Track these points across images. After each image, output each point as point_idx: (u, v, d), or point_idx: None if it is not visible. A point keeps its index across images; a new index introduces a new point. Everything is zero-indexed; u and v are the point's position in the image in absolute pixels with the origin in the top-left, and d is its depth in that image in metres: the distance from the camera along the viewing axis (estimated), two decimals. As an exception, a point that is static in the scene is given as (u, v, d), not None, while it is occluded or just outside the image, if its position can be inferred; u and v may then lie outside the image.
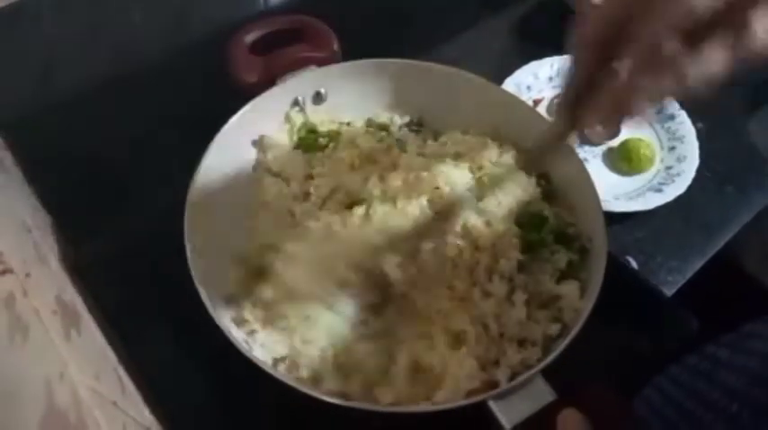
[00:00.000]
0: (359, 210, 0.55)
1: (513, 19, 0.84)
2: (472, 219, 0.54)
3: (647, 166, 0.68)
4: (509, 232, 0.53)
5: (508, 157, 0.58)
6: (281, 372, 0.48)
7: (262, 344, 0.49)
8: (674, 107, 0.72)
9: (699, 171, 0.66)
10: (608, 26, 0.32)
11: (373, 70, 0.61)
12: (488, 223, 0.54)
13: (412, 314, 0.52)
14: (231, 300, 0.52)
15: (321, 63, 0.61)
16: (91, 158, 0.66)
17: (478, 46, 0.80)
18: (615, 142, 0.71)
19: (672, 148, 0.70)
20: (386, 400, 0.47)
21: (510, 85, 0.71)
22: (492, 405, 0.42)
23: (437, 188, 0.56)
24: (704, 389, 0.42)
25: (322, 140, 0.60)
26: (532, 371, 0.43)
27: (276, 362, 0.49)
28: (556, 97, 0.74)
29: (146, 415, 0.50)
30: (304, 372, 0.49)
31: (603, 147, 0.71)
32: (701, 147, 0.68)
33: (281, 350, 0.49)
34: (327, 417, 0.47)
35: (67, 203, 0.63)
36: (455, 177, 0.56)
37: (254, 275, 0.53)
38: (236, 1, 0.80)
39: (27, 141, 0.66)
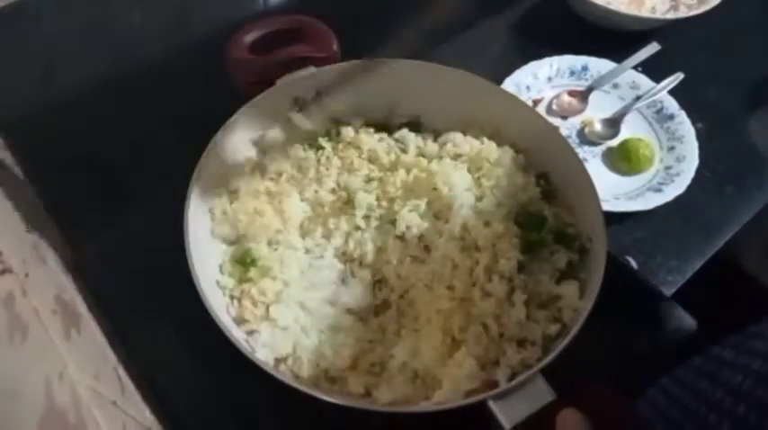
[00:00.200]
0: (359, 211, 0.56)
1: (512, 19, 0.84)
2: (472, 220, 0.54)
3: (647, 166, 0.68)
4: (509, 232, 0.53)
5: (508, 157, 0.58)
6: (281, 372, 0.48)
7: (263, 344, 0.49)
8: (673, 107, 0.72)
9: (698, 171, 0.66)
10: None
11: (373, 70, 0.61)
12: (488, 223, 0.54)
13: (412, 314, 0.52)
14: (231, 300, 0.52)
15: (320, 63, 0.61)
16: (91, 158, 0.66)
17: (478, 46, 0.80)
18: (615, 142, 0.71)
19: (671, 148, 0.70)
20: (385, 400, 0.47)
21: (510, 85, 0.72)
22: (492, 405, 0.42)
23: (436, 188, 0.56)
24: (708, 390, 0.42)
25: (321, 140, 0.60)
26: (532, 371, 0.43)
27: (277, 362, 0.49)
28: (555, 97, 0.74)
29: (146, 414, 0.50)
30: (304, 372, 0.49)
31: (603, 147, 0.71)
32: (700, 147, 0.68)
33: (282, 350, 0.49)
34: (327, 417, 0.47)
35: (67, 203, 0.63)
36: (454, 178, 0.56)
37: (250, 270, 0.53)
38: (236, 1, 0.80)
39: (27, 141, 0.67)
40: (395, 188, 0.57)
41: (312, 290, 0.53)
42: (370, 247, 0.54)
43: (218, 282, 0.52)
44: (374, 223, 0.56)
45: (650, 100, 0.72)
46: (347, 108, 0.63)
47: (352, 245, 0.54)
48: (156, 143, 0.67)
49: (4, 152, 0.63)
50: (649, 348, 0.54)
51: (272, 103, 0.58)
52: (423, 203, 0.55)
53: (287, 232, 0.55)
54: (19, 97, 0.69)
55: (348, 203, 0.57)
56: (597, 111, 0.74)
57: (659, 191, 0.65)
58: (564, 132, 0.68)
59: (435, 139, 0.62)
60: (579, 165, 0.54)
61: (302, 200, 0.58)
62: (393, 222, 0.55)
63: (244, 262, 0.53)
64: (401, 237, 0.55)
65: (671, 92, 0.72)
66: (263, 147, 0.60)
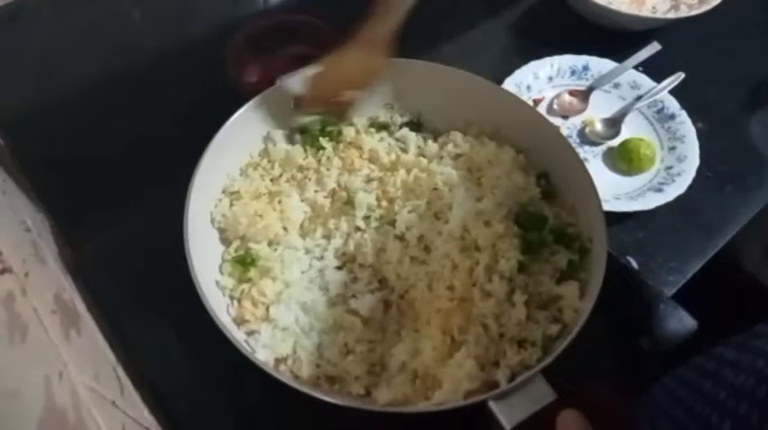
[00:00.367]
0: (359, 212, 0.55)
1: (513, 19, 0.84)
2: (472, 220, 0.54)
3: (648, 166, 0.68)
4: (509, 232, 0.53)
5: (508, 157, 0.58)
6: (281, 373, 0.48)
7: (263, 345, 0.49)
8: (674, 107, 0.72)
9: (699, 171, 0.66)
10: None
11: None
12: (488, 223, 0.54)
13: (412, 314, 0.52)
14: (231, 300, 0.52)
15: (321, 63, 0.61)
16: (91, 158, 0.66)
17: (478, 46, 0.80)
18: (616, 142, 0.71)
19: (672, 148, 0.70)
20: (385, 400, 0.46)
21: (510, 84, 0.71)
22: (492, 405, 0.42)
23: (436, 189, 0.56)
24: (711, 389, 0.42)
25: (322, 140, 0.60)
26: (532, 371, 0.43)
27: (277, 362, 0.49)
28: (556, 97, 0.74)
29: (145, 415, 0.50)
30: (304, 373, 0.48)
31: (604, 147, 0.71)
32: (701, 147, 0.68)
33: (282, 350, 0.49)
34: (327, 417, 0.47)
35: (67, 203, 0.63)
36: (454, 178, 0.56)
37: (250, 271, 0.53)
38: (236, 1, 0.80)
39: (27, 141, 0.67)
40: (395, 188, 0.57)
41: (312, 290, 0.53)
42: (370, 248, 0.54)
43: (217, 283, 0.52)
44: (374, 223, 0.56)
45: (651, 100, 0.72)
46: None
47: (352, 245, 0.54)
48: (157, 143, 0.67)
49: (3, 152, 0.63)
50: (650, 348, 0.54)
51: (271, 102, 0.58)
52: (423, 203, 0.55)
53: (287, 232, 0.55)
54: (19, 97, 0.69)
55: (348, 203, 0.57)
56: (598, 110, 0.74)
57: (660, 191, 0.65)
58: (564, 132, 0.68)
59: (435, 139, 0.62)
60: (580, 164, 0.54)
61: (302, 200, 0.58)
62: (393, 222, 0.55)
63: (244, 262, 0.53)
64: (401, 238, 0.55)
65: (672, 91, 0.72)
66: (263, 147, 0.60)
